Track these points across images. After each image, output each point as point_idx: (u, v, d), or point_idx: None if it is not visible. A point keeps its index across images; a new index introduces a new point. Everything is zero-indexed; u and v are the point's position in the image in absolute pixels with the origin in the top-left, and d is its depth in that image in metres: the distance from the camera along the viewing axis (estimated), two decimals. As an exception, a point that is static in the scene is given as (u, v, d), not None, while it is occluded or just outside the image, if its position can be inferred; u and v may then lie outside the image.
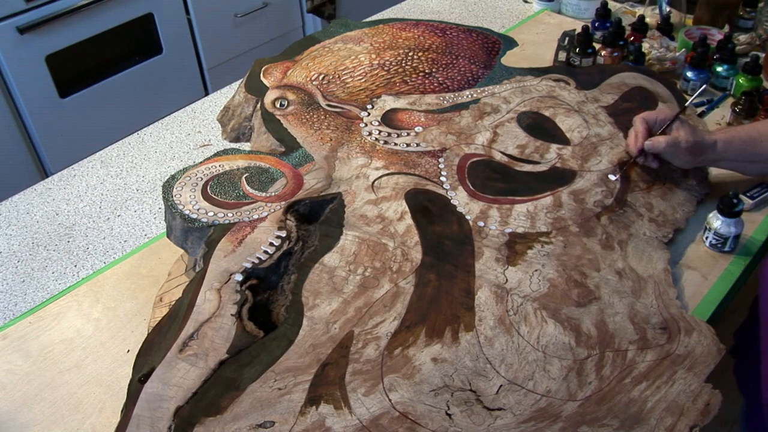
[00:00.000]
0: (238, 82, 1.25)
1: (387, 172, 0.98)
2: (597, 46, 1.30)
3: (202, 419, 0.67)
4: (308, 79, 1.19)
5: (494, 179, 0.97)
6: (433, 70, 1.22)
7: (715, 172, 1.02)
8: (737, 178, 1.00)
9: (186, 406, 0.68)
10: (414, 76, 1.20)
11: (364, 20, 1.45)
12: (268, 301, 0.81)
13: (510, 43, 1.36)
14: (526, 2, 1.60)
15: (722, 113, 1.16)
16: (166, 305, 0.82)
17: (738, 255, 0.89)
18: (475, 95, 1.16)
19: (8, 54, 1.86)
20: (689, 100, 0.99)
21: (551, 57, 1.33)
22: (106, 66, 2.12)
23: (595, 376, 0.70)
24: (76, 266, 0.93)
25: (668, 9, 1.38)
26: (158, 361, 0.73)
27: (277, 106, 1.13)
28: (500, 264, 0.83)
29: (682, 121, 0.94)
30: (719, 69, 1.22)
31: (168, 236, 0.93)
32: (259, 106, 1.14)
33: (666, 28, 1.35)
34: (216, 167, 0.99)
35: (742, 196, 0.94)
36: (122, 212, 1.02)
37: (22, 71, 1.90)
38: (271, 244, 0.86)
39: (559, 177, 0.97)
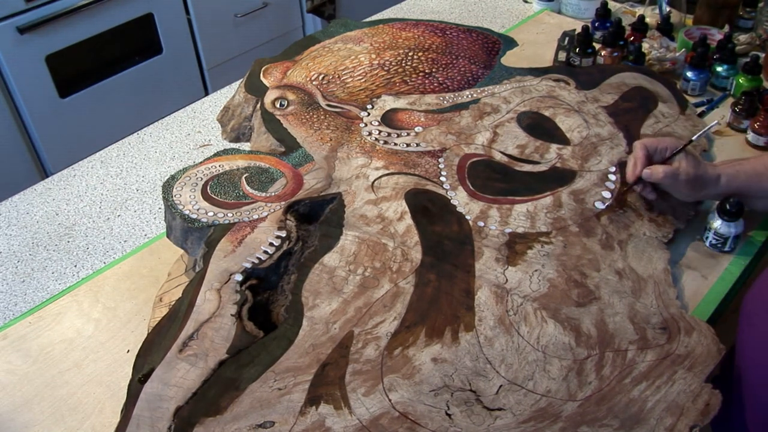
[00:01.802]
0: (238, 82, 1.25)
1: (387, 172, 0.98)
2: (597, 46, 1.30)
3: (202, 419, 0.67)
4: (308, 79, 1.19)
5: (494, 179, 0.97)
6: (433, 70, 1.22)
7: (715, 172, 1.02)
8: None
9: (186, 406, 0.68)
10: (414, 76, 1.20)
11: (364, 20, 1.45)
12: (268, 301, 0.81)
13: (510, 43, 1.36)
14: (526, 2, 1.60)
15: (722, 113, 1.16)
16: (166, 305, 0.82)
17: (738, 255, 0.89)
18: (475, 95, 1.16)
19: (8, 54, 1.86)
20: (696, 135, 0.94)
21: (551, 57, 1.33)
22: (106, 66, 2.12)
23: (595, 376, 0.70)
24: (76, 266, 0.93)
25: (668, 9, 1.39)
26: (158, 361, 0.73)
27: (277, 106, 1.13)
28: (500, 264, 0.83)
29: (686, 153, 0.91)
30: (719, 69, 1.22)
31: (168, 236, 0.93)
32: (259, 106, 1.14)
33: (666, 28, 1.35)
34: (216, 167, 0.99)
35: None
36: (122, 212, 1.02)
37: (22, 71, 1.91)
38: (271, 244, 0.86)
39: (559, 177, 0.97)
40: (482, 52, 1.30)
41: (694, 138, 0.94)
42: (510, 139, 1.05)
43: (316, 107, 1.13)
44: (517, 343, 0.74)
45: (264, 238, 0.86)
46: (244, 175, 0.97)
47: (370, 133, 1.07)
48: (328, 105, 1.13)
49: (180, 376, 0.71)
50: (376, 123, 1.09)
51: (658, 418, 0.66)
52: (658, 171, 0.89)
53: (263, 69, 1.23)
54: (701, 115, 1.16)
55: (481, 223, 0.89)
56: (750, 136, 1.08)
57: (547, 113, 1.10)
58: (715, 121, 1.00)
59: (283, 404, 0.68)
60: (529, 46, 1.38)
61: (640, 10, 1.47)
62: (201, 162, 1.00)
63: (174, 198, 0.93)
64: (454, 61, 1.25)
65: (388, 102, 1.13)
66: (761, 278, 0.81)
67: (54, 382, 0.76)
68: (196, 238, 0.88)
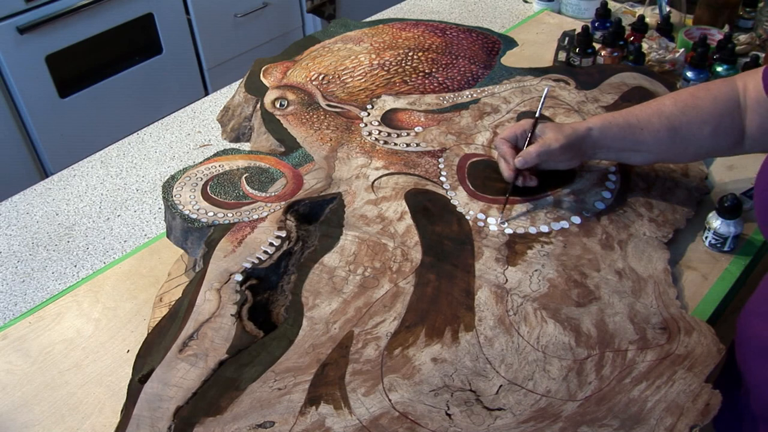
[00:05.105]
0: (238, 82, 1.25)
1: (387, 172, 0.98)
2: (597, 46, 1.30)
3: (202, 419, 0.67)
4: (308, 79, 1.19)
5: (494, 179, 0.97)
6: (433, 70, 1.22)
7: (715, 172, 1.02)
8: (737, 178, 1.00)
9: (186, 406, 0.68)
10: (414, 76, 1.20)
11: (364, 20, 1.45)
12: (268, 301, 0.81)
13: (510, 43, 1.36)
14: (526, 2, 1.60)
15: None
16: (166, 305, 0.82)
17: (738, 255, 0.89)
18: (475, 95, 1.16)
19: (8, 54, 1.86)
20: (539, 107, 0.94)
21: (551, 57, 1.33)
22: (106, 66, 2.12)
23: (595, 376, 0.70)
24: (76, 266, 0.93)
25: (668, 9, 1.39)
26: (158, 361, 0.73)
27: (277, 106, 1.13)
28: (500, 264, 0.84)
29: (543, 124, 0.90)
30: (719, 69, 1.22)
31: (168, 236, 0.93)
32: (258, 106, 1.14)
33: (666, 28, 1.35)
34: (216, 167, 0.99)
35: (741, 196, 0.94)
36: (122, 212, 1.02)
37: (22, 71, 1.91)
38: (271, 244, 0.86)
39: (560, 177, 0.97)
40: (482, 52, 1.30)
41: (537, 111, 0.93)
42: (510, 139, 1.05)
43: (316, 107, 1.13)
44: (517, 343, 0.74)
45: (264, 238, 0.86)
46: (244, 175, 0.97)
47: (370, 133, 1.07)
48: (328, 105, 1.13)
49: (180, 376, 0.71)
50: (376, 123, 1.09)
51: (658, 418, 0.66)
52: (530, 153, 0.87)
53: (263, 69, 1.23)
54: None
55: (481, 224, 0.89)
56: (750, 136, 1.08)
57: (547, 113, 1.10)
58: (547, 87, 0.99)
59: (283, 404, 0.68)
60: (529, 46, 1.38)
61: (640, 10, 1.47)
62: (201, 162, 1.00)
63: (174, 198, 0.93)
64: (454, 61, 1.25)
65: (388, 102, 1.13)
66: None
67: (54, 382, 0.77)
68: (196, 238, 0.88)
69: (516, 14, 1.55)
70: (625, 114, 0.89)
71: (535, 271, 0.83)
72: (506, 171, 0.92)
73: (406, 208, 0.92)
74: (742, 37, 1.33)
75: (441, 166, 0.99)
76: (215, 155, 1.02)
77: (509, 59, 1.29)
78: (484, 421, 0.66)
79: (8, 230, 1.00)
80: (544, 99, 0.94)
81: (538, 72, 1.22)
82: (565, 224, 0.89)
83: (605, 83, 1.18)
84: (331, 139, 1.05)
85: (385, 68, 1.22)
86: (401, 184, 0.96)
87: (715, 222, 0.88)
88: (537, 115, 0.92)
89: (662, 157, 0.91)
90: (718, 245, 0.88)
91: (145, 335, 0.77)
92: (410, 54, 1.26)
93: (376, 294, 0.80)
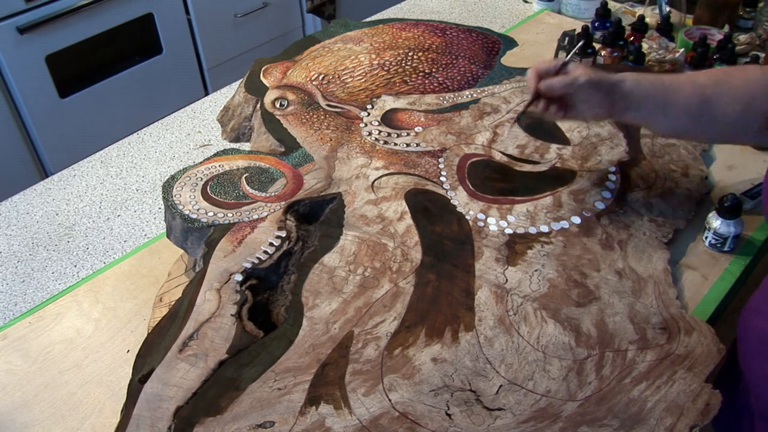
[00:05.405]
0: (238, 82, 1.25)
1: (387, 172, 0.98)
2: (597, 46, 1.30)
3: (202, 419, 0.67)
4: (308, 79, 1.19)
5: (494, 179, 0.97)
6: (433, 70, 1.22)
7: (715, 172, 1.02)
8: (737, 178, 1.00)
9: (186, 406, 0.68)
10: (414, 76, 1.20)
11: (364, 20, 1.45)
12: (268, 301, 0.81)
13: (510, 43, 1.36)
14: (526, 2, 1.60)
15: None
16: (166, 305, 0.82)
17: (738, 255, 0.89)
18: (475, 95, 1.16)
19: (8, 54, 1.86)
20: (572, 51, 0.92)
21: (551, 57, 1.33)
22: (106, 66, 2.12)
23: (595, 376, 0.70)
24: (76, 266, 0.93)
25: (668, 9, 1.39)
26: (158, 361, 0.73)
27: (277, 106, 1.13)
28: (500, 264, 0.83)
29: (575, 64, 0.89)
30: (719, 69, 1.22)
31: (168, 236, 0.93)
32: (258, 106, 1.14)
33: (666, 28, 1.35)
34: (216, 167, 0.99)
35: (741, 196, 0.94)
36: (122, 212, 1.02)
37: (22, 71, 1.91)
38: (271, 244, 0.86)
39: (559, 177, 0.97)
40: (482, 52, 1.30)
41: (570, 54, 0.92)
42: (510, 139, 1.05)
43: (316, 107, 1.13)
44: (517, 343, 0.74)
45: (264, 238, 0.86)
46: (244, 175, 0.97)
47: (370, 133, 1.07)
48: (328, 105, 1.13)
49: (180, 376, 0.71)
50: (376, 123, 1.09)
51: (658, 418, 0.66)
52: (555, 80, 0.86)
53: (263, 69, 1.23)
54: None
55: (481, 224, 0.89)
56: (750, 136, 1.08)
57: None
58: (582, 41, 0.99)
59: (283, 404, 0.68)
60: (529, 46, 1.38)
61: (640, 10, 1.47)
62: (201, 162, 1.00)
63: (174, 198, 0.93)
64: (454, 61, 1.25)
65: (388, 102, 1.13)
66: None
67: (54, 382, 0.76)
68: (196, 238, 0.88)
69: (516, 14, 1.55)
70: (657, 76, 0.88)
71: (535, 271, 0.83)
72: (529, 89, 0.90)
73: (406, 208, 0.92)
74: (742, 37, 1.33)
75: (441, 166, 0.99)
76: (215, 155, 1.02)
77: (509, 59, 1.29)
78: (484, 421, 0.66)
79: (8, 230, 1.00)
80: (578, 45, 0.95)
81: (538, 72, 1.22)
82: (565, 224, 0.89)
83: (605, 83, 1.18)
84: (331, 139, 1.05)
85: (385, 68, 1.22)
86: (401, 184, 0.96)
87: (715, 222, 0.88)
88: (567, 57, 0.91)
89: (688, 130, 0.88)
90: (718, 245, 0.88)
91: (145, 335, 0.77)
92: (410, 54, 1.26)
93: (376, 294, 0.80)
